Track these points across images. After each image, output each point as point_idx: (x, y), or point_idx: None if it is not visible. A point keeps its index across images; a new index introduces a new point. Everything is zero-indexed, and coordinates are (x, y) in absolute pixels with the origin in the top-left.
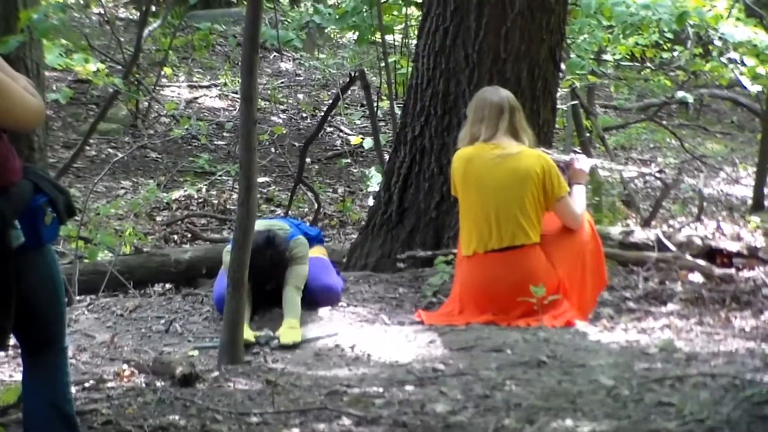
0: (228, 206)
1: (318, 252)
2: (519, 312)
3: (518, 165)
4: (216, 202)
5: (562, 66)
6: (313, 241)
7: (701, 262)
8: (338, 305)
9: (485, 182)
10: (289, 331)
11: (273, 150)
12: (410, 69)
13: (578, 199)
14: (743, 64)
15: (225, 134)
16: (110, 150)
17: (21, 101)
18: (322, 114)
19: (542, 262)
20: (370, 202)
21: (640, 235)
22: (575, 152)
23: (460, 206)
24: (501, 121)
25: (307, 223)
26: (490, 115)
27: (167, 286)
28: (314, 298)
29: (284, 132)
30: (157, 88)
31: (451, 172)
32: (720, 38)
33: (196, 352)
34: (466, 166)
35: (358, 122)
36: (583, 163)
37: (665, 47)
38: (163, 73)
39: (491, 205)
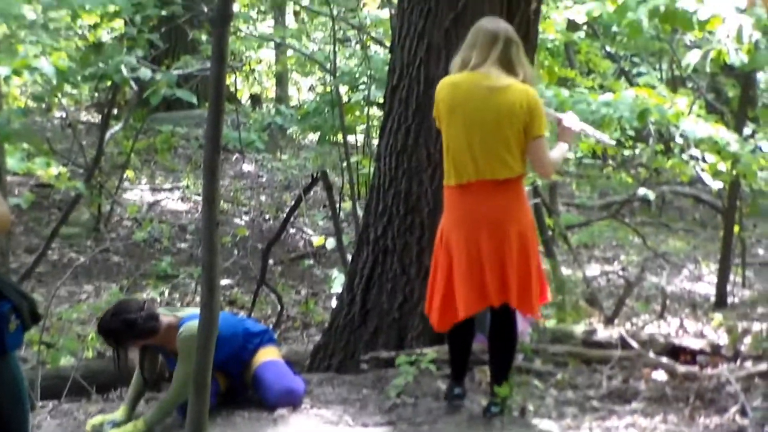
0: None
1: (271, 353)
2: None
3: (504, 100)
4: (179, 305)
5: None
6: (256, 339)
7: (665, 359)
8: (302, 407)
9: (471, 116)
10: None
11: (236, 252)
12: (372, 169)
13: (558, 152)
14: (704, 160)
15: (187, 237)
16: (72, 254)
17: None
18: (285, 215)
19: (521, 195)
20: (334, 303)
21: (603, 333)
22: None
23: (443, 136)
24: (493, 50)
25: (270, 325)
26: (482, 42)
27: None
28: (276, 403)
29: (247, 234)
30: (120, 191)
31: (436, 97)
32: (681, 135)
33: None
34: (453, 93)
35: (320, 223)
36: (572, 121)
37: (627, 145)
38: (125, 176)
39: (476, 140)
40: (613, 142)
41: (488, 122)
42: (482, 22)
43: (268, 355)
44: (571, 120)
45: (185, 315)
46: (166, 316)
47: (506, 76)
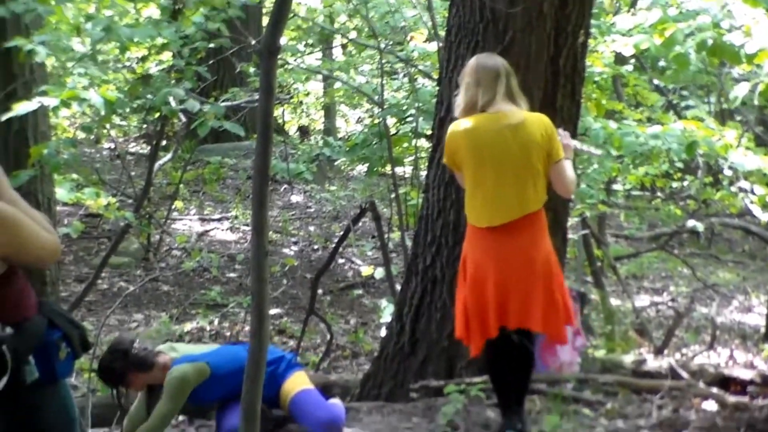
0: (240, 338)
1: (301, 380)
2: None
3: (527, 134)
4: (228, 334)
5: (572, 196)
6: (269, 367)
7: (715, 390)
8: None
9: (501, 157)
10: None
11: (285, 281)
12: (420, 200)
13: (571, 170)
14: (753, 192)
15: (236, 266)
16: (122, 283)
17: (38, 239)
18: (334, 245)
19: (544, 224)
20: (383, 332)
21: (653, 363)
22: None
23: (469, 181)
24: (498, 86)
25: (320, 354)
26: (486, 80)
27: (180, 417)
28: None
29: (296, 263)
30: (169, 221)
31: (449, 144)
32: (730, 167)
33: None
34: (474, 137)
35: (369, 253)
36: (567, 138)
37: (675, 177)
38: (174, 206)
39: (510, 178)
40: (599, 152)
41: (518, 158)
42: (479, 59)
43: (298, 385)
44: (565, 137)
45: (180, 355)
46: (165, 354)
47: (517, 109)
